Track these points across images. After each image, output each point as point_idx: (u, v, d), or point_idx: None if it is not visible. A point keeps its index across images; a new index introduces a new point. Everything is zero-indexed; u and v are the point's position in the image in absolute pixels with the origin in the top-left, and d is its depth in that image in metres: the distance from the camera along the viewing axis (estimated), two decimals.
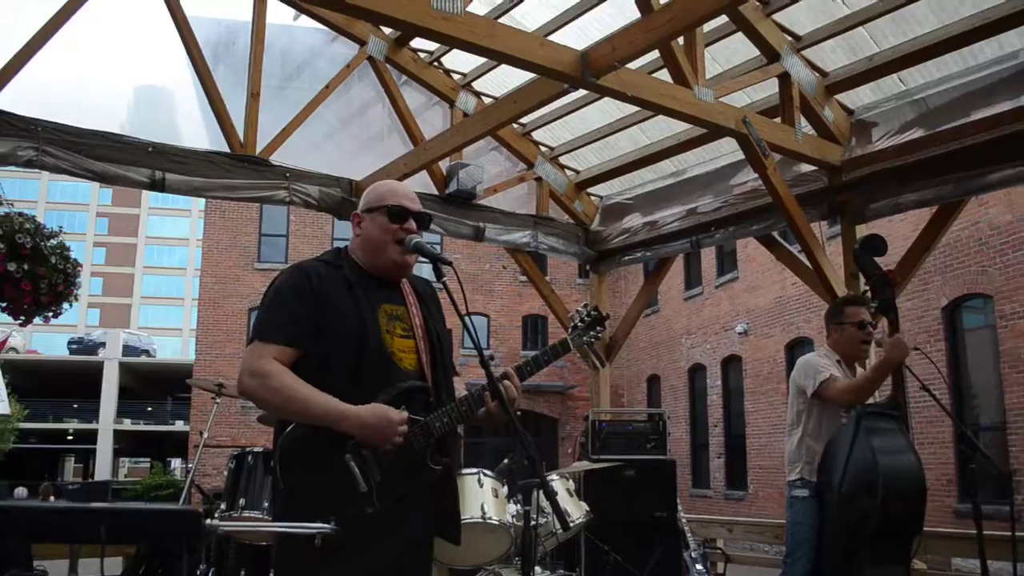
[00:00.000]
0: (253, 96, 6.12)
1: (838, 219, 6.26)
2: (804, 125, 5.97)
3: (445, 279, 2.46)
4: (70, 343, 43.91)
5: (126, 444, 41.03)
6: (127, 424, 39.51)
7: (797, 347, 16.21)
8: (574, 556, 5.99)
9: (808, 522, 4.30)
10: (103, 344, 40.98)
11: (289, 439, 2.39)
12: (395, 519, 2.37)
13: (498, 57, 4.89)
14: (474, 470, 4.22)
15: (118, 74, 6.07)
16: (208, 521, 1.90)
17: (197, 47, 5.92)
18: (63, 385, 38.25)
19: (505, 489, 4.36)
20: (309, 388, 2.36)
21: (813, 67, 6.03)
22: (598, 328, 2.76)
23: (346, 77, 6.73)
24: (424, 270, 2.69)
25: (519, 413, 2.49)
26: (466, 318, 2.36)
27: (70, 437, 40.07)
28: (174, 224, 78.67)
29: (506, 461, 4.70)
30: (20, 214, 5.31)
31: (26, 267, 5.10)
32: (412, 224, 2.58)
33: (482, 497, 4.14)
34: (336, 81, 6.64)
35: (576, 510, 4.64)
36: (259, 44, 6.19)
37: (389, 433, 2.33)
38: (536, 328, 24.33)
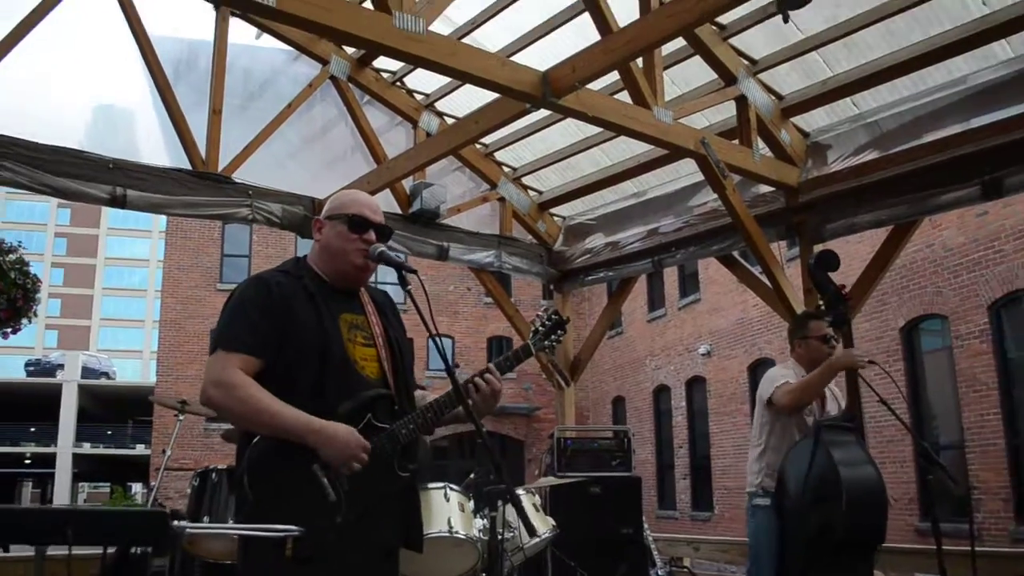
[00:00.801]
0: (215, 113, 6.07)
1: (796, 240, 6.37)
2: (761, 147, 6.09)
3: (410, 288, 2.46)
4: (27, 365, 43.06)
5: (85, 468, 40.16)
6: (86, 448, 38.65)
7: (760, 367, 16.35)
8: (541, 572, 6.00)
9: (771, 530, 4.32)
10: (61, 366, 40.21)
11: (256, 450, 2.36)
12: (363, 528, 2.35)
13: (461, 76, 4.92)
14: (440, 484, 4.23)
15: (77, 91, 5.98)
16: (175, 523, 1.88)
17: (158, 64, 5.87)
18: (20, 407, 37.36)
19: (472, 504, 4.37)
20: (275, 400, 2.34)
21: (769, 90, 6.16)
22: (559, 332, 2.76)
23: (308, 96, 6.73)
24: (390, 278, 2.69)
25: (486, 430, 2.49)
26: (431, 328, 2.36)
27: (27, 461, 39.13)
28: (134, 245, 77.64)
29: (472, 475, 4.71)
30: None
31: None
32: (372, 235, 2.58)
33: (448, 511, 4.14)
34: (298, 100, 6.64)
35: (543, 525, 4.65)
36: (221, 61, 6.16)
37: (352, 455, 2.30)
38: (501, 349, 24.30)
